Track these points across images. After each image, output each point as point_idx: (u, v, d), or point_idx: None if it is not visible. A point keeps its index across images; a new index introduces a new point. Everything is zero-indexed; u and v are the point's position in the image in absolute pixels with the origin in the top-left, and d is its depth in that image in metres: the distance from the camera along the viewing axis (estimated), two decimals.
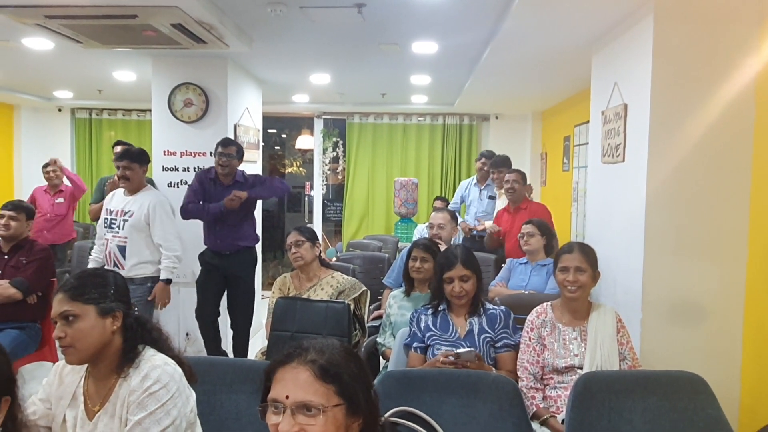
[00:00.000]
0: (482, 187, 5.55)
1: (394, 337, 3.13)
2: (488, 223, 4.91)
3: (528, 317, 2.58)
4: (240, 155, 4.13)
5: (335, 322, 2.91)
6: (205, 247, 4.26)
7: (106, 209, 3.96)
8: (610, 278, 3.28)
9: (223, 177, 4.09)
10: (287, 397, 1.16)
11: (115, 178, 4.02)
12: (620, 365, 2.40)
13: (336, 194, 8.53)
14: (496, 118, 7.72)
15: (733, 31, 2.89)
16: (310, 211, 8.17)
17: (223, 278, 4.21)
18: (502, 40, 3.85)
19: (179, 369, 1.68)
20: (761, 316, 2.81)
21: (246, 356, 4.30)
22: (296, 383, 1.17)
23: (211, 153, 4.82)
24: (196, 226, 4.69)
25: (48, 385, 1.77)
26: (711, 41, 2.91)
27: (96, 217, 4.64)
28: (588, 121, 5.19)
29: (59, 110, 7.89)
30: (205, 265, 4.24)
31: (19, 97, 7.15)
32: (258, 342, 4.77)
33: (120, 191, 3.98)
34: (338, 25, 3.85)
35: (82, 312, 1.65)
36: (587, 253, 2.54)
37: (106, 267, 3.91)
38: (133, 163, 3.85)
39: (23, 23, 3.53)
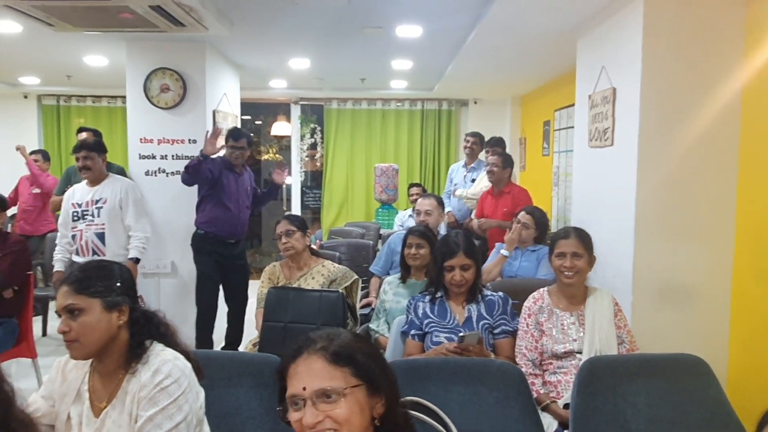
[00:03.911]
0: (468, 170, 5.55)
1: (388, 323, 3.11)
2: (475, 221, 4.90)
3: (525, 303, 2.56)
4: (249, 145, 4.32)
5: (330, 312, 2.86)
6: (200, 232, 4.25)
7: (72, 203, 3.91)
8: (600, 262, 3.27)
9: (237, 165, 4.24)
10: (304, 388, 1.13)
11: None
12: (618, 348, 2.41)
13: (314, 181, 8.44)
14: (475, 103, 7.71)
15: (724, 11, 2.90)
16: (288, 199, 8.07)
17: (222, 267, 4.26)
18: (488, 24, 3.81)
19: (189, 364, 1.63)
20: (748, 296, 2.86)
21: (239, 347, 4.27)
22: (311, 373, 1.14)
23: (189, 140, 4.72)
24: (177, 215, 4.60)
25: (50, 381, 1.70)
26: (701, 23, 2.91)
27: (57, 209, 4.56)
28: (569, 106, 5.25)
29: (25, 97, 7.60)
30: (210, 253, 4.22)
31: None
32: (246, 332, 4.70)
33: (80, 184, 3.98)
34: (322, 7, 3.76)
35: (88, 305, 1.58)
36: (583, 237, 2.53)
37: (80, 258, 3.83)
38: (92, 152, 3.88)
39: None
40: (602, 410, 1.98)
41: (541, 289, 2.60)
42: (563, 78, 5.62)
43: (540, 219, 3.76)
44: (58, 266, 3.90)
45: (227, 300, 4.38)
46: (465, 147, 5.65)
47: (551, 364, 2.43)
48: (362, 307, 3.79)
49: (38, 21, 3.62)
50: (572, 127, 4.72)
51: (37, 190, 5.58)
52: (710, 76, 2.92)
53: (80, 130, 5.16)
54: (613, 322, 2.45)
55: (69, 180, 4.73)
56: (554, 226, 5.50)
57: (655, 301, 3.00)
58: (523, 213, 3.77)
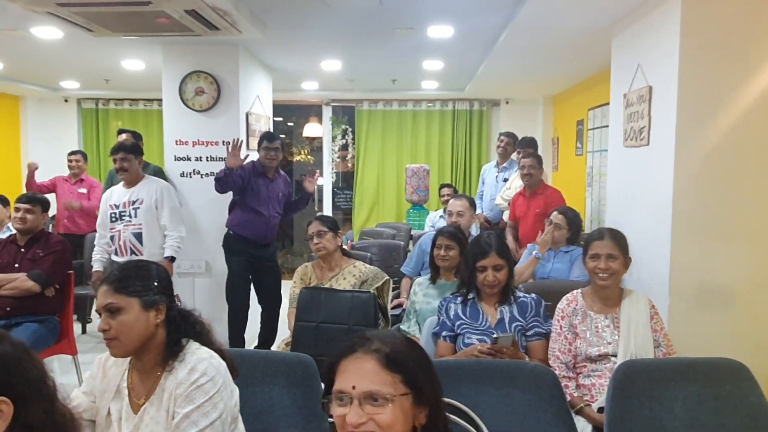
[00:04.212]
0: (500, 170, 5.52)
1: (419, 324, 3.11)
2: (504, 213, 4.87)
3: (558, 305, 2.53)
4: (283, 148, 4.37)
5: (361, 312, 2.87)
6: (231, 234, 4.32)
7: (109, 205, 4.03)
8: (635, 263, 3.22)
9: (269, 169, 4.27)
10: (354, 387, 1.13)
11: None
12: (655, 352, 2.36)
13: (345, 182, 8.48)
14: (507, 103, 7.64)
15: (763, 7, 2.82)
16: (320, 200, 8.12)
17: (253, 268, 4.33)
18: (520, 23, 3.78)
19: (224, 363, 1.65)
20: None
21: (272, 346, 4.32)
22: (362, 373, 1.14)
23: (223, 142, 4.78)
24: (211, 216, 4.68)
25: (91, 378, 1.74)
26: (739, 19, 2.84)
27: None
28: (603, 105, 5.17)
29: (65, 101, 7.81)
30: (240, 253, 4.29)
31: (25, 88, 7.08)
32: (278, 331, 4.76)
33: (117, 186, 4.11)
34: (353, 9, 3.78)
35: (126, 304, 1.62)
36: (618, 239, 2.49)
37: (119, 258, 3.93)
38: (129, 154, 4.00)
39: (33, 11, 3.46)
40: (638, 415, 1.95)
41: (575, 291, 2.56)
42: (597, 77, 5.54)
43: (573, 220, 3.71)
44: (96, 266, 4.00)
45: (260, 301, 4.44)
46: (498, 147, 5.62)
47: (585, 367, 2.40)
48: (393, 308, 3.80)
49: (78, 27, 3.72)
50: (606, 126, 4.66)
51: (84, 190, 5.67)
52: (749, 74, 2.85)
53: (120, 131, 5.26)
54: (649, 325, 2.40)
55: (112, 181, 4.84)
56: (588, 227, 5.42)
57: (693, 303, 2.93)
58: (555, 213, 3.73)
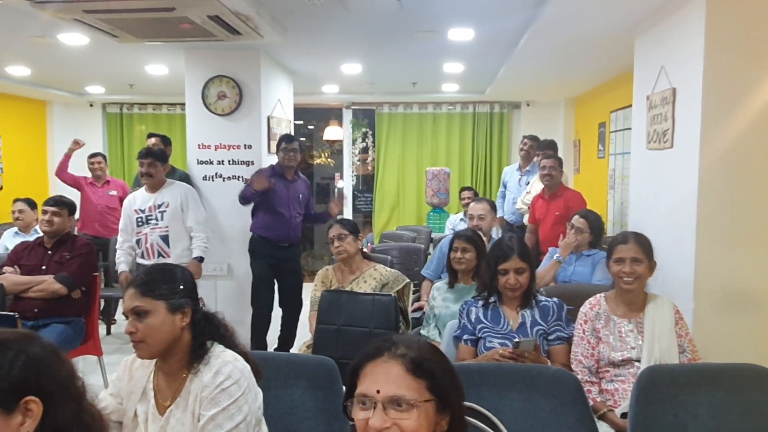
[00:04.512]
0: (522, 173, 5.50)
1: (438, 329, 3.11)
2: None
3: (581, 309, 2.51)
4: (302, 149, 4.50)
5: (382, 315, 2.88)
6: (255, 236, 4.40)
7: (134, 209, 4.09)
8: (658, 267, 3.18)
9: (288, 170, 4.36)
10: (378, 391, 1.13)
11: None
12: (680, 358, 2.33)
13: (366, 185, 8.50)
14: (528, 105, 7.61)
15: None
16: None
17: (276, 271, 4.39)
18: (542, 25, 3.76)
19: (248, 365, 1.67)
20: None
21: (290, 349, 4.35)
22: (388, 377, 1.14)
23: (245, 146, 4.83)
24: (233, 219, 4.73)
25: (118, 380, 1.77)
26: (765, 20, 2.79)
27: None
28: (626, 107, 5.13)
29: (90, 105, 7.95)
30: (265, 257, 4.36)
31: (51, 93, 7.22)
32: (299, 334, 4.79)
33: (139, 191, 4.19)
34: (374, 13, 3.79)
35: (153, 308, 1.64)
36: (643, 243, 2.47)
37: (146, 260, 3.99)
38: (157, 160, 4.08)
39: (61, 18, 3.53)
40: (662, 420, 1.93)
41: (598, 295, 2.54)
42: (619, 78, 5.48)
43: (594, 223, 3.68)
44: (122, 267, 4.07)
45: (281, 303, 4.48)
46: (521, 150, 5.59)
47: (608, 371, 2.38)
48: (414, 311, 3.80)
49: (104, 33, 3.79)
50: (629, 128, 4.61)
51: (114, 192, 5.72)
52: None
53: (150, 135, 5.31)
54: (674, 330, 2.37)
55: (139, 183, 4.91)
56: (610, 230, 5.37)
57: (718, 308, 2.89)
58: (576, 217, 3.69)
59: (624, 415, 2.16)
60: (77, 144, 5.60)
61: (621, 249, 2.44)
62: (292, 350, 4.24)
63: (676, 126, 3.15)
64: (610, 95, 5.84)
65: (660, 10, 3.36)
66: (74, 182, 5.66)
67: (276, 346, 4.48)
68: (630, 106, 4.03)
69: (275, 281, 4.44)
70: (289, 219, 4.34)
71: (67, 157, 5.61)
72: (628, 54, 3.92)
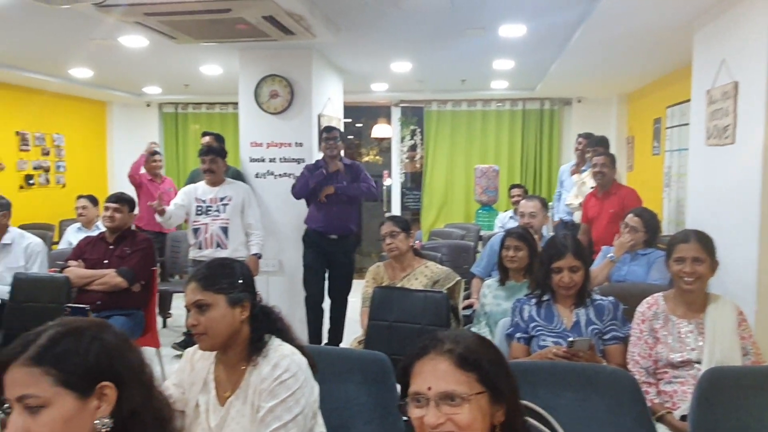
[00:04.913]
0: (578, 171, 5.41)
1: (489, 326, 3.09)
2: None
3: (638, 308, 2.46)
4: (342, 138, 4.53)
5: (434, 312, 2.88)
6: (306, 228, 4.49)
7: (195, 198, 4.28)
8: (718, 267, 3.10)
9: (331, 160, 4.39)
10: (429, 388, 1.14)
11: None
12: (743, 360, 2.26)
13: (414, 182, 8.50)
14: (579, 101, 7.47)
15: None
16: (389, 200, 8.18)
17: (327, 261, 4.47)
18: (595, 20, 3.69)
19: (305, 359, 1.71)
20: None
21: (339, 344, 4.40)
22: (436, 374, 1.15)
23: (296, 144, 4.91)
24: (284, 216, 4.82)
25: (181, 371, 1.82)
26: None
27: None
28: (683, 102, 4.97)
29: (147, 105, 8.22)
30: (313, 246, 4.46)
31: (111, 94, 7.50)
32: (351, 330, 4.84)
33: (201, 183, 4.36)
34: (426, 11, 3.80)
35: (214, 301, 1.69)
36: (705, 241, 2.39)
37: (204, 250, 4.18)
38: (217, 156, 4.29)
39: (123, 21, 3.67)
40: (724, 424, 1.88)
41: (656, 295, 2.48)
42: (676, 73, 5.33)
43: (649, 221, 3.58)
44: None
45: (329, 293, 4.56)
46: (576, 149, 5.51)
47: (666, 373, 2.32)
48: (464, 309, 3.78)
49: (163, 35, 3.91)
50: (686, 124, 4.48)
51: (171, 189, 5.88)
52: None
53: (204, 134, 5.45)
54: (736, 332, 2.29)
55: (194, 180, 5.05)
56: (666, 229, 5.22)
57: None
58: (630, 215, 3.60)
59: (683, 418, 2.11)
60: (153, 146, 5.79)
61: (682, 248, 2.38)
62: (342, 345, 4.29)
63: (738, 121, 3.05)
64: (666, 90, 5.68)
65: (720, 3, 3.25)
66: (140, 180, 5.86)
67: (326, 341, 4.53)
68: (687, 101, 3.91)
69: (326, 271, 4.51)
70: (331, 208, 4.39)
71: (143, 157, 5.79)
72: (686, 48, 3.81)
